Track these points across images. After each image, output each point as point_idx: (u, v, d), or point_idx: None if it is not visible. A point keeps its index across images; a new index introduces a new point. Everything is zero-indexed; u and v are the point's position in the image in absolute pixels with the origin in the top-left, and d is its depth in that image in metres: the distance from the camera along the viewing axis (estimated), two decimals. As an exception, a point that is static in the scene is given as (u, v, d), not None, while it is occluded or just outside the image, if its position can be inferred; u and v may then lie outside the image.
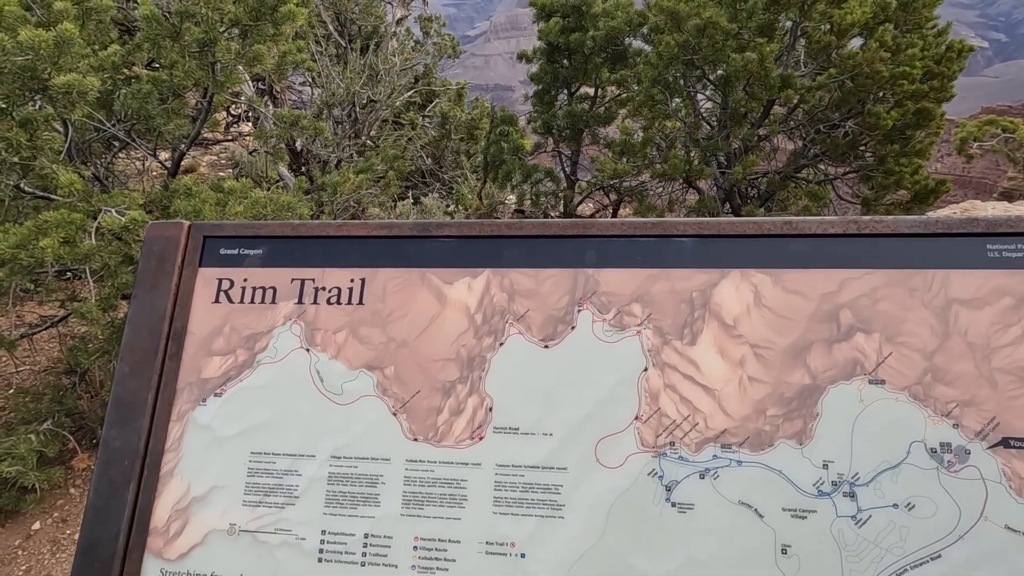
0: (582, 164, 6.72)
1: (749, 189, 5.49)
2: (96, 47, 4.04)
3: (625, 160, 5.09)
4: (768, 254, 1.21)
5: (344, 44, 7.05)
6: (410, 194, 9.17)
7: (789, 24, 4.71)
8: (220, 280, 1.35)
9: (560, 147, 6.64)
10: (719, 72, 4.58)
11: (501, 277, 1.27)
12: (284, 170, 7.00)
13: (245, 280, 1.34)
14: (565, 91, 6.49)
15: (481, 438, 1.18)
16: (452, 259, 1.30)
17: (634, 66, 5.51)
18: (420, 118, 10.47)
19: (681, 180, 5.09)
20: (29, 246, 3.36)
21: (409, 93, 7.93)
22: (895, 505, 1.05)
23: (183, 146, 4.64)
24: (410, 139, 9.04)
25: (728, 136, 4.79)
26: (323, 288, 1.32)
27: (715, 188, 5.42)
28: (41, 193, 3.91)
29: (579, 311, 1.23)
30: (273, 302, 1.32)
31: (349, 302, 1.30)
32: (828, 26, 4.37)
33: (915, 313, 1.13)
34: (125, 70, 4.34)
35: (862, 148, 4.91)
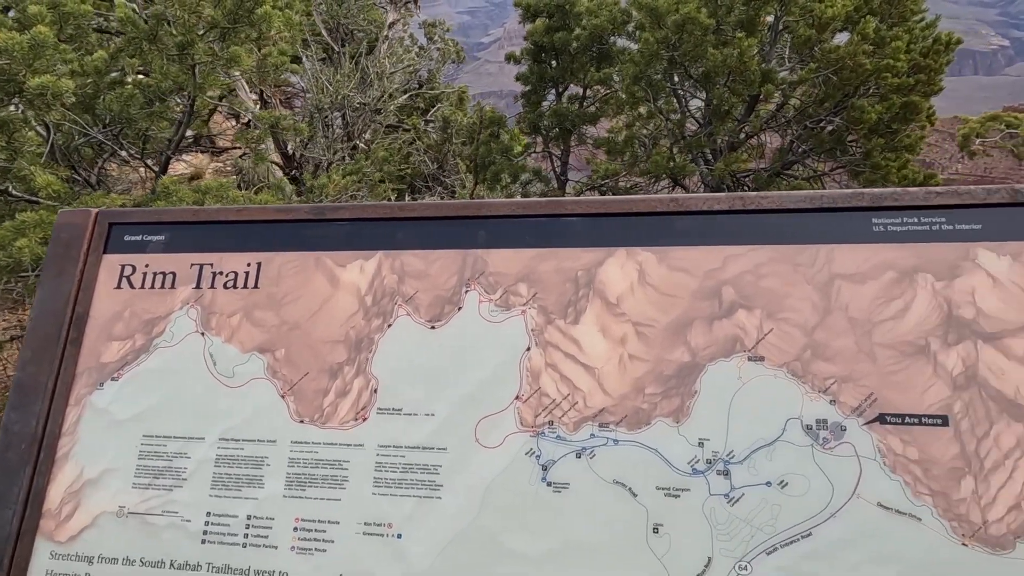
0: (572, 164, 6.71)
1: (737, 187, 5.44)
2: (79, 52, 4.11)
3: (609, 159, 5.07)
4: (655, 232, 1.19)
5: (336, 48, 7.12)
6: (406, 198, 9.21)
7: (771, 19, 4.67)
8: (123, 266, 1.36)
9: (550, 147, 6.64)
10: (700, 69, 4.56)
11: (393, 259, 1.27)
12: (281, 174, 7.07)
13: (147, 266, 1.35)
14: (554, 91, 6.50)
15: (365, 419, 1.18)
16: (346, 242, 1.29)
17: (619, 64, 5.50)
18: (423, 123, 10.52)
19: (667, 178, 5.06)
20: (8, 247, 3.42)
21: (404, 97, 7.97)
22: (768, 483, 1.03)
23: (169, 151, 4.70)
24: (412, 143, 9.08)
25: (712, 133, 4.75)
26: (221, 272, 1.32)
27: (702, 186, 5.38)
28: (28, 196, 3.98)
29: (467, 292, 1.22)
30: (172, 287, 1.33)
31: (245, 286, 1.30)
32: (809, 20, 4.33)
33: (798, 289, 1.11)
34: (112, 75, 4.41)
35: (849, 143, 4.85)
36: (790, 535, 1.00)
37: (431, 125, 11.01)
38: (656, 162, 4.62)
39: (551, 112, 6.10)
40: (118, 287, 1.35)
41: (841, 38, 4.95)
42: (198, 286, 1.32)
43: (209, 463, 1.20)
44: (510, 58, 6.72)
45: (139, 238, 1.38)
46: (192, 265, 1.34)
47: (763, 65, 4.41)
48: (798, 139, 5.03)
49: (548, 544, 1.06)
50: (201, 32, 4.01)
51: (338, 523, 1.13)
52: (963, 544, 0.96)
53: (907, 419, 1.02)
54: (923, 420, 1.02)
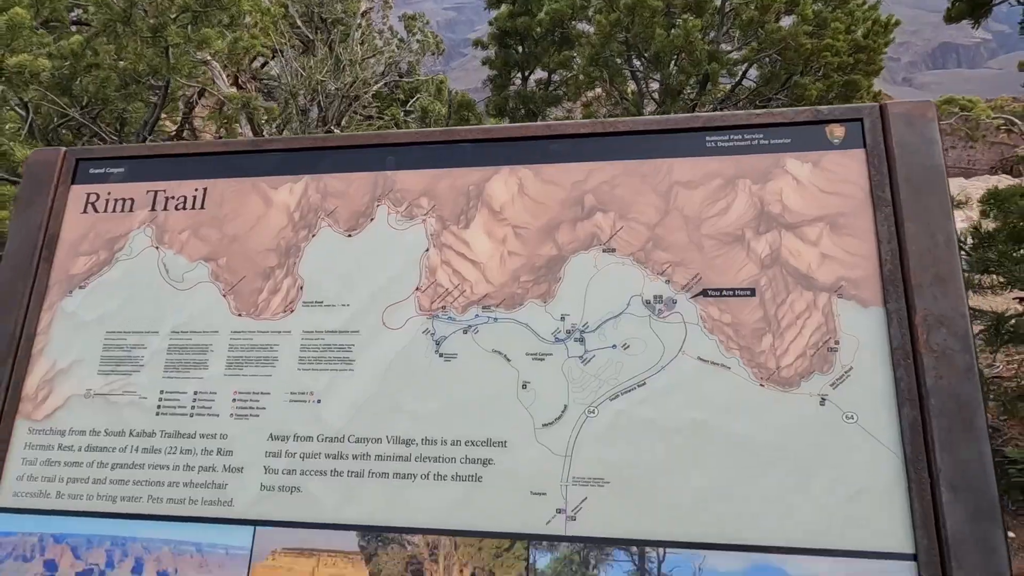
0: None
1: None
2: (55, 37, 4.29)
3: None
4: (533, 153, 1.43)
5: (310, 35, 7.32)
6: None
7: (719, 2, 4.93)
8: (88, 194, 1.58)
9: (518, 130, 6.84)
10: (651, 49, 4.81)
11: (318, 182, 1.49)
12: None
13: (109, 193, 1.57)
14: (520, 75, 6.74)
15: (292, 311, 1.41)
16: (278, 169, 1.52)
17: (577, 47, 5.75)
18: (402, 113, 10.71)
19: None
20: (-12, 220, 3.61)
21: (380, 84, 8.17)
22: (614, 346, 1.27)
23: (145, 131, 4.89)
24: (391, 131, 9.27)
25: (666, 112, 5.01)
26: (172, 197, 1.54)
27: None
28: (9, 177, 4.17)
29: (378, 206, 1.45)
30: (131, 211, 1.55)
31: (193, 207, 1.53)
32: (753, 2, 4.60)
33: (644, 195, 1.35)
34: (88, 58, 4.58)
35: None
36: (629, 385, 1.25)
37: (411, 116, 11.21)
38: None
39: (517, 95, 6.34)
40: (84, 212, 1.57)
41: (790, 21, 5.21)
42: (153, 209, 1.54)
43: (162, 352, 1.43)
44: (477, 43, 6.94)
45: (102, 171, 1.60)
46: (148, 192, 1.56)
47: (711, 46, 4.67)
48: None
49: (439, 402, 1.30)
50: (174, 15, 4.21)
51: (268, 394, 1.36)
52: (761, 385, 1.20)
53: (724, 292, 1.27)
54: (736, 292, 1.26)
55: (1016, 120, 7.02)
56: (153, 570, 1.29)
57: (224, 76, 7.13)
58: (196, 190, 1.54)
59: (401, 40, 14.73)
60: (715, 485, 1.16)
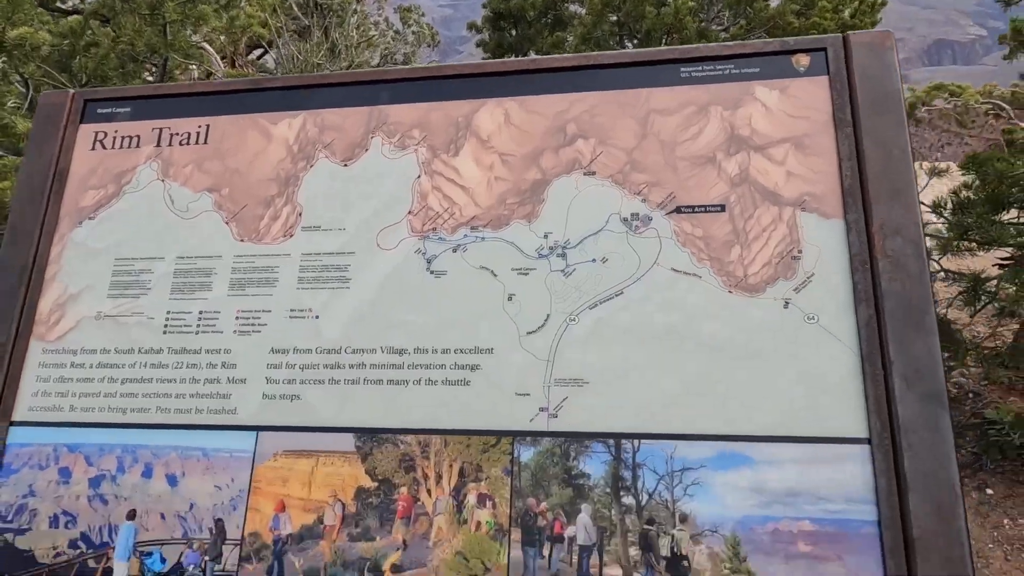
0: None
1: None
2: (55, 15, 4.36)
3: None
4: (519, 86, 1.51)
5: (307, 21, 7.39)
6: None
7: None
8: (96, 132, 1.66)
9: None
10: (642, 28, 4.91)
11: (315, 116, 1.58)
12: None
13: (116, 131, 1.65)
14: (514, 57, 6.81)
15: (291, 236, 1.49)
16: (278, 105, 1.60)
17: (570, 28, 5.84)
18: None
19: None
20: (-9, 191, 3.68)
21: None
22: (594, 260, 1.36)
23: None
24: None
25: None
26: (176, 134, 1.62)
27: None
28: (14, 155, 4.23)
29: (372, 137, 1.53)
30: (137, 147, 1.63)
31: (197, 143, 1.61)
32: (741, -19, 4.70)
33: (622, 122, 1.44)
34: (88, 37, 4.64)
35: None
36: (608, 295, 1.33)
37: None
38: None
39: (511, 78, 6.39)
40: (92, 149, 1.65)
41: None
42: (158, 145, 1.62)
43: (168, 276, 1.51)
44: (472, 27, 7.03)
45: (109, 110, 1.67)
46: (153, 129, 1.64)
47: (701, 24, 4.77)
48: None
49: (430, 315, 1.38)
50: (171, -7, 4.28)
51: (270, 311, 1.44)
52: (729, 292, 1.29)
53: (696, 209, 1.35)
54: (707, 209, 1.35)
55: (1005, 105, 7.13)
56: (162, 473, 1.38)
57: (221, 63, 7.19)
58: (199, 127, 1.62)
59: (397, 32, 14.76)
60: (686, 382, 1.25)
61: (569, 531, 1.21)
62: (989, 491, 3.40)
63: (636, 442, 1.23)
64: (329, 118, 1.57)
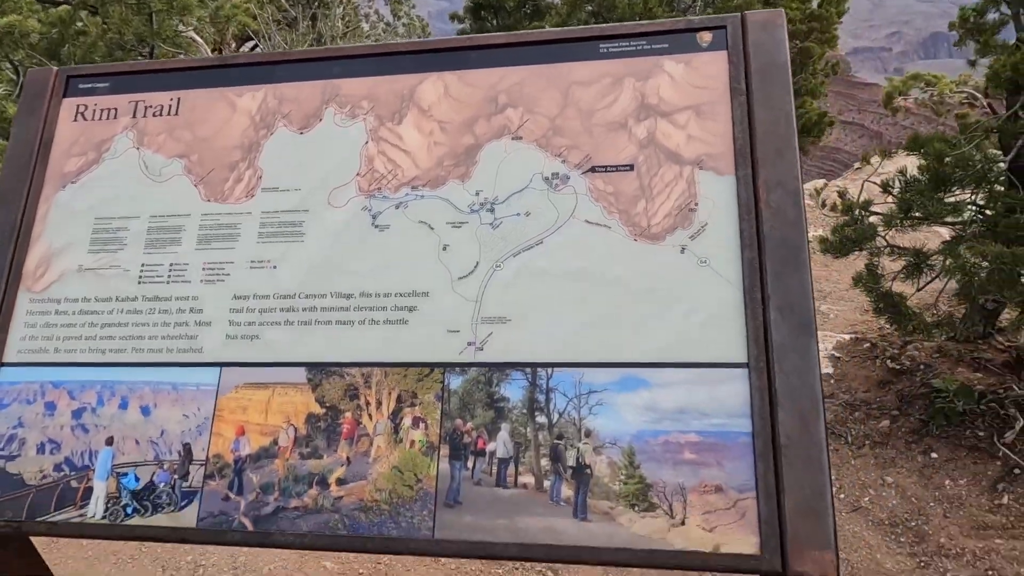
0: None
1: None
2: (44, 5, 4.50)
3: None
4: (457, 61, 1.68)
5: (294, 12, 7.54)
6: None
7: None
8: (78, 105, 1.82)
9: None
10: (614, 16, 5.08)
11: (275, 90, 1.75)
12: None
13: (95, 104, 1.82)
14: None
15: (253, 196, 1.66)
16: (241, 80, 1.77)
17: (548, 18, 6.02)
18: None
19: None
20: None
21: (362, 62, 8.38)
22: (518, 214, 1.53)
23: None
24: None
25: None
26: (150, 106, 1.79)
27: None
28: (4, 138, 4.38)
29: (326, 108, 1.70)
30: (115, 118, 1.80)
31: (169, 114, 1.78)
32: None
33: (547, 93, 1.61)
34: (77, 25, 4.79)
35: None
36: (529, 244, 1.51)
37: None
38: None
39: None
40: (75, 120, 1.81)
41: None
42: (134, 116, 1.79)
43: (143, 233, 1.68)
44: (453, 17, 7.19)
45: (89, 85, 1.84)
46: (129, 102, 1.81)
47: (671, 12, 4.93)
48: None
49: (374, 263, 1.55)
50: (157, -16, 4.43)
51: (233, 263, 1.62)
52: (635, 240, 1.47)
53: (608, 168, 1.53)
54: (619, 168, 1.52)
55: (977, 94, 7.31)
56: (136, 405, 1.55)
57: (210, 54, 7.32)
58: (171, 100, 1.79)
59: (387, 24, 14.85)
60: (594, 318, 1.43)
61: (490, 447, 1.39)
62: (934, 455, 3.60)
63: (550, 370, 1.41)
64: (287, 91, 1.74)
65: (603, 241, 1.48)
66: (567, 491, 1.33)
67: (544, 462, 1.36)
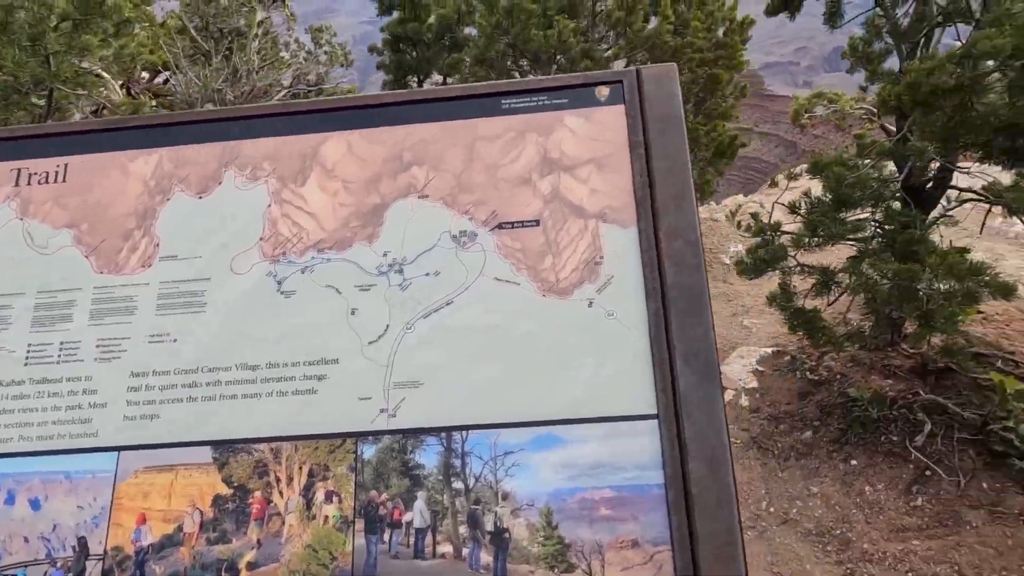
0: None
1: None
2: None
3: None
4: (361, 119, 1.67)
5: (207, 47, 7.33)
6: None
7: (591, 3, 5.37)
8: (-48, 175, 1.70)
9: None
10: (531, 49, 5.18)
11: (171, 153, 1.68)
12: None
13: (-28, 173, 1.70)
14: (415, 79, 7.00)
15: (149, 266, 1.59)
16: (135, 143, 1.70)
17: (466, 50, 6.08)
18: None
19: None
20: None
21: (282, 94, 8.23)
22: (427, 274, 1.52)
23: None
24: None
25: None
26: (35, 174, 1.69)
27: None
28: None
29: (225, 171, 1.65)
30: (-5, 187, 1.69)
31: (56, 181, 1.68)
32: (620, 3, 5.04)
33: (452, 149, 1.61)
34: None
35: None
36: (439, 304, 1.50)
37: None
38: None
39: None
40: (-51, 191, 1.69)
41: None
42: (16, 184, 1.69)
43: (29, 310, 1.58)
44: (372, 50, 7.16)
45: (-35, 153, 1.72)
46: (11, 170, 1.70)
47: (586, 45, 5.07)
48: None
49: (281, 331, 1.51)
50: (53, 24, 4.22)
51: (129, 338, 1.53)
52: (543, 296, 1.48)
53: (515, 224, 1.54)
54: (525, 224, 1.54)
55: (874, 109, 7.81)
56: (25, 498, 1.44)
57: (119, 90, 7.04)
58: (58, 166, 1.70)
59: (309, 52, 14.69)
60: (506, 376, 1.42)
61: (407, 517, 1.36)
62: (853, 462, 3.76)
63: (464, 433, 1.40)
64: (184, 154, 1.68)
65: (513, 298, 1.48)
66: (486, 557, 1.32)
67: (463, 529, 1.34)
